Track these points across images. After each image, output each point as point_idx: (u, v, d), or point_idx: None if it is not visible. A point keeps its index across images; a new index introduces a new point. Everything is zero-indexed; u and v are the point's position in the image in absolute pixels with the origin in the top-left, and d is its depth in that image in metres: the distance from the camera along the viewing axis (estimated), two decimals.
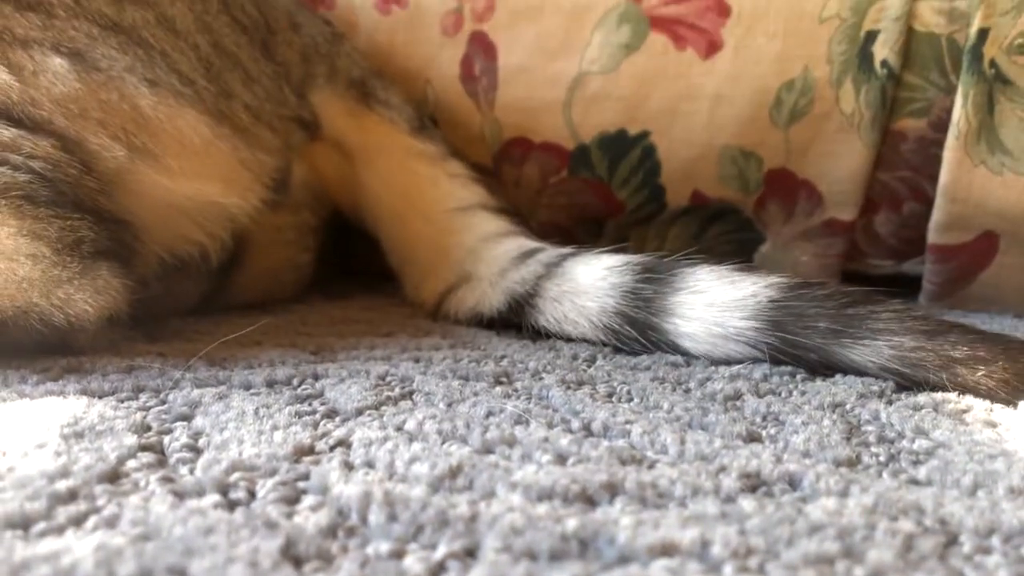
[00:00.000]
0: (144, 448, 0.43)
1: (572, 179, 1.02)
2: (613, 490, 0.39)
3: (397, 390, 0.55)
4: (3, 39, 0.60)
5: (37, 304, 0.57)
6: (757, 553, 0.33)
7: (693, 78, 0.95)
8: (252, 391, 0.55)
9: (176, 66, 0.69)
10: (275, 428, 0.46)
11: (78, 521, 0.34)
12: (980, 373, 0.55)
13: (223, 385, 0.56)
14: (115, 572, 0.30)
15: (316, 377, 0.58)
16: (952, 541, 0.35)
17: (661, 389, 0.57)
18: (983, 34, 0.86)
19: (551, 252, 0.78)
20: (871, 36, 0.91)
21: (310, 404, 0.52)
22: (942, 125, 0.91)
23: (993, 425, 0.50)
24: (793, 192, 0.99)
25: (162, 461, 0.42)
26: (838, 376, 0.60)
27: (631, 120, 0.98)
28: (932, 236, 0.93)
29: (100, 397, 0.52)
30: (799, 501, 0.38)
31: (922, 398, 0.55)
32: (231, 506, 0.37)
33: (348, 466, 0.41)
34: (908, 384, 0.57)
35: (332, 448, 0.44)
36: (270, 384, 0.56)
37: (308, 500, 0.37)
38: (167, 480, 0.39)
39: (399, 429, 0.47)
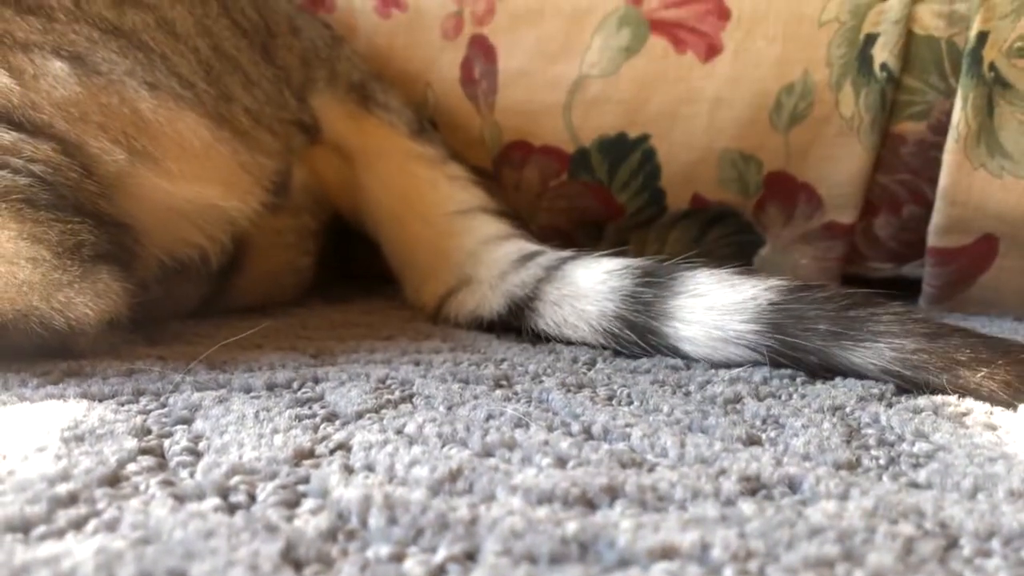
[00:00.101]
0: (144, 451, 0.43)
1: (572, 182, 1.02)
2: (613, 493, 0.39)
3: (397, 393, 0.55)
4: (3, 43, 0.60)
5: (37, 307, 0.57)
6: (757, 556, 0.33)
7: (693, 81, 0.95)
8: (252, 394, 0.55)
9: (176, 69, 0.69)
10: (275, 431, 0.46)
11: (78, 524, 0.34)
12: (981, 375, 0.55)
13: (223, 388, 0.56)
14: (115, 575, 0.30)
15: (316, 380, 0.58)
16: (952, 544, 0.35)
17: (661, 392, 0.57)
18: (983, 37, 0.86)
19: (551, 255, 0.78)
20: (871, 39, 0.91)
21: (310, 407, 0.52)
22: (942, 128, 0.91)
23: (993, 428, 0.50)
24: (793, 195, 0.99)
25: (162, 464, 0.42)
26: (838, 379, 0.60)
27: (631, 123, 0.98)
28: (932, 239, 0.93)
29: (100, 400, 0.52)
30: (799, 504, 0.38)
31: (922, 401, 0.55)
32: (231, 509, 0.37)
33: (348, 469, 0.41)
34: (909, 387, 0.57)
35: (332, 451, 0.44)
36: (270, 387, 0.56)
37: (308, 503, 0.37)
38: (167, 483, 0.39)
39: (399, 432, 0.47)
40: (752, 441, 0.48)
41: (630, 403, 0.55)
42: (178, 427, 0.47)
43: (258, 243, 0.82)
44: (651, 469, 0.42)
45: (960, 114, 0.88)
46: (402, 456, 0.42)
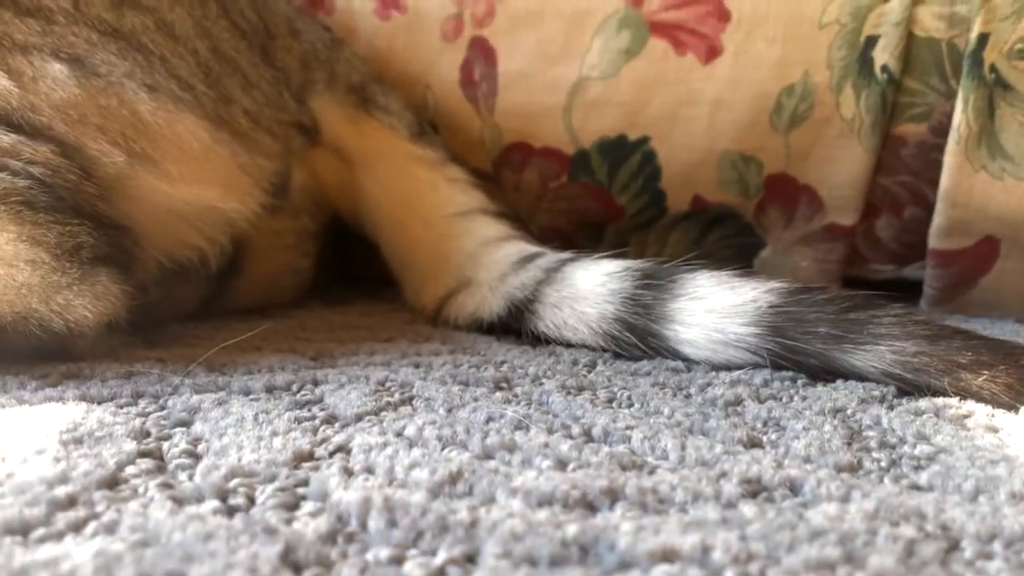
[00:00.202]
0: (143, 454, 0.43)
1: (572, 184, 1.02)
2: (613, 496, 0.39)
3: (397, 396, 0.55)
4: (3, 45, 0.60)
5: (36, 310, 0.57)
6: (758, 559, 0.33)
7: (693, 83, 0.95)
8: (251, 397, 0.54)
9: (175, 71, 0.69)
10: (274, 434, 0.46)
11: (77, 527, 0.34)
12: (983, 378, 0.55)
13: (222, 391, 0.55)
14: None
15: (316, 383, 0.58)
16: (954, 547, 0.35)
17: (662, 394, 0.57)
18: (983, 39, 0.86)
19: (551, 257, 0.78)
20: (871, 41, 0.91)
21: (310, 410, 0.52)
22: (942, 130, 0.91)
23: (995, 430, 0.50)
24: (793, 197, 0.99)
25: (161, 467, 0.42)
26: (839, 381, 0.60)
27: (631, 125, 0.98)
28: (933, 241, 0.93)
29: (99, 403, 0.52)
30: (800, 507, 0.38)
31: (923, 403, 0.55)
32: (230, 512, 0.36)
33: (348, 472, 0.41)
34: (910, 389, 0.57)
35: (332, 454, 0.44)
36: (269, 390, 0.56)
37: (307, 506, 0.37)
38: (166, 486, 0.39)
39: (399, 435, 0.47)
40: (753, 443, 0.47)
41: (630, 405, 0.55)
42: (177, 429, 0.47)
43: (257, 245, 0.82)
44: (652, 471, 0.42)
45: (961, 116, 0.87)
46: (402, 458, 0.42)
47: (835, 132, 0.94)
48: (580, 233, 1.07)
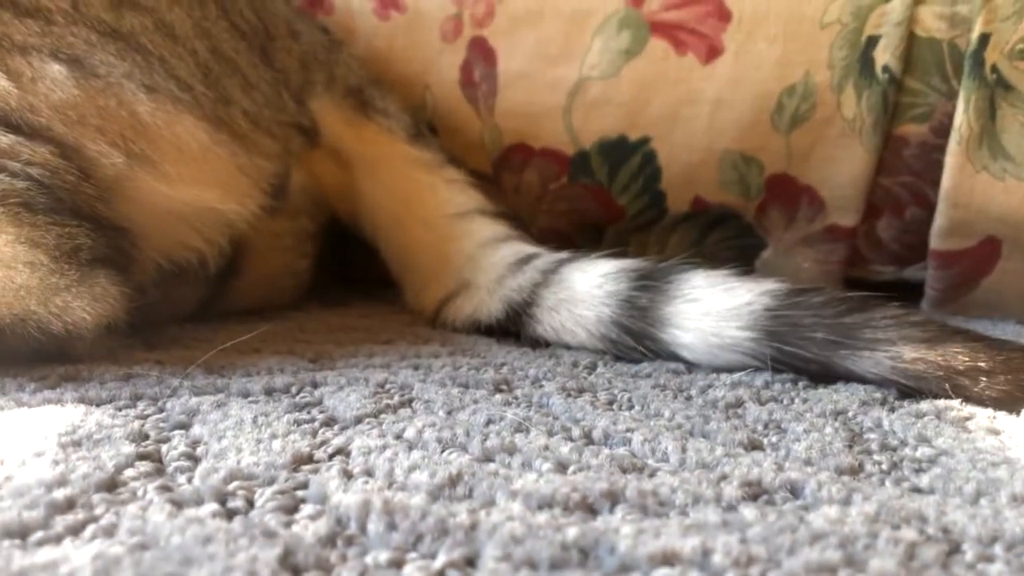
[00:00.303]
0: (142, 457, 0.43)
1: (572, 185, 1.02)
2: (614, 498, 0.38)
3: (396, 398, 0.55)
4: (2, 46, 0.60)
5: (35, 312, 0.57)
6: (759, 562, 0.33)
7: (694, 83, 0.95)
8: (250, 399, 0.54)
9: (174, 72, 0.69)
10: (274, 436, 0.46)
11: (76, 530, 0.34)
12: (982, 384, 0.55)
13: (221, 393, 0.55)
14: None
15: (315, 385, 0.58)
16: (955, 549, 0.35)
17: (662, 397, 0.57)
18: (984, 39, 0.86)
19: (547, 258, 0.77)
20: (872, 41, 0.91)
21: (309, 412, 0.52)
22: (944, 130, 0.91)
23: (996, 433, 0.50)
24: (794, 198, 0.99)
25: (160, 470, 0.42)
26: (840, 383, 0.60)
27: (631, 126, 0.98)
28: (934, 242, 0.93)
29: (98, 405, 0.52)
30: (801, 509, 0.38)
31: (925, 406, 0.54)
32: (229, 515, 0.36)
33: (347, 475, 0.41)
34: (911, 391, 0.57)
35: (331, 456, 0.44)
36: (268, 392, 0.56)
37: (307, 509, 0.37)
38: (165, 489, 0.39)
39: (398, 437, 0.47)
40: (754, 446, 0.47)
41: (631, 407, 0.55)
42: (176, 432, 0.47)
43: (256, 246, 0.82)
44: (652, 474, 0.42)
45: (962, 116, 0.87)
46: (401, 461, 0.42)
47: (836, 132, 0.94)
48: (580, 234, 1.06)
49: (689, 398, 0.57)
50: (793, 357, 0.60)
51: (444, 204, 0.88)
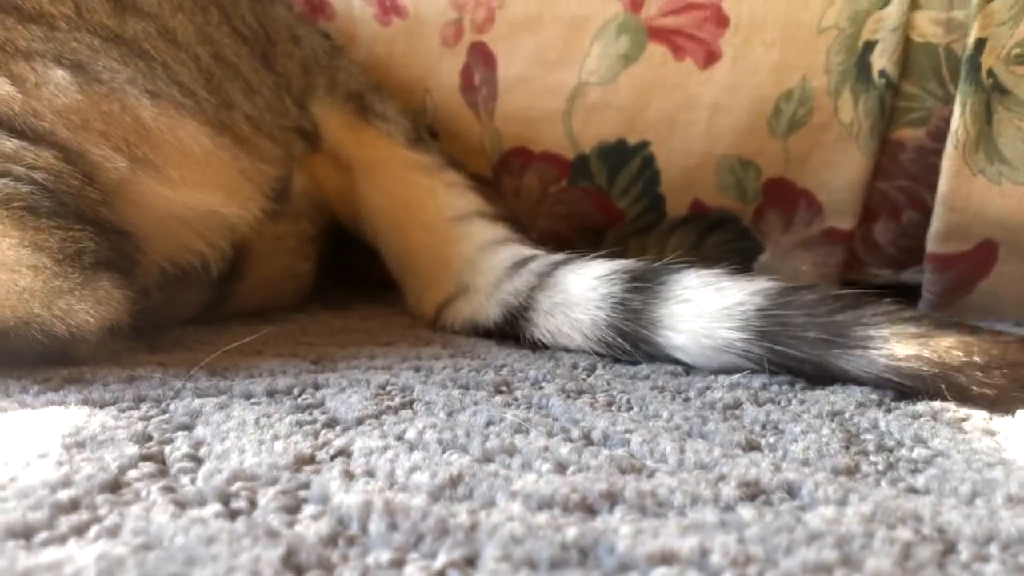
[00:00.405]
0: (145, 458, 0.43)
1: (572, 189, 1.02)
2: (613, 499, 0.39)
3: (397, 399, 0.55)
4: (5, 51, 0.60)
5: (38, 315, 0.57)
6: (756, 561, 0.33)
7: (692, 88, 0.95)
8: (253, 400, 0.55)
9: (177, 77, 0.69)
10: (276, 437, 0.46)
11: (80, 531, 0.34)
12: (977, 380, 0.55)
13: (224, 395, 0.56)
14: None
15: (317, 387, 0.58)
16: (950, 549, 0.35)
17: (660, 398, 0.57)
18: (981, 44, 0.87)
19: (543, 260, 0.77)
20: (869, 46, 0.91)
21: (311, 413, 0.52)
22: (940, 134, 0.91)
23: (992, 433, 0.50)
24: (792, 201, 0.99)
25: (163, 471, 0.42)
26: (837, 385, 0.60)
27: (630, 130, 0.98)
28: (931, 245, 0.93)
29: (101, 407, 0.52)
30: (798, 510, 0.39)
31: (921, 406, 0.55)
32: (232, 515, 0.37)
33: (349, 475, 0.41)
34: (907, 390, 0.57)
35: (333, 457, 0.44)
36: (271, 393, 0.56)
37: (309, 509, 0.37)
38: (168, 490, 0.39)
39: (399, 438, 0.47)
40: (751, 447, 0.48)
41: (630, 409, 0.55)
42: (179, 433, 0.47)
43: (258, 249, 0.82)
44: (650, 475, 0.42)
45: (959, 120, 0.88)
46: (402, 462, 0.42)
47: (833, 137, 0.95)
48: (580, 238, 1.07)
49: (687, 399, 0.57)
50: (786, 357, 0.60)
51: (443, 207, 0.88)
